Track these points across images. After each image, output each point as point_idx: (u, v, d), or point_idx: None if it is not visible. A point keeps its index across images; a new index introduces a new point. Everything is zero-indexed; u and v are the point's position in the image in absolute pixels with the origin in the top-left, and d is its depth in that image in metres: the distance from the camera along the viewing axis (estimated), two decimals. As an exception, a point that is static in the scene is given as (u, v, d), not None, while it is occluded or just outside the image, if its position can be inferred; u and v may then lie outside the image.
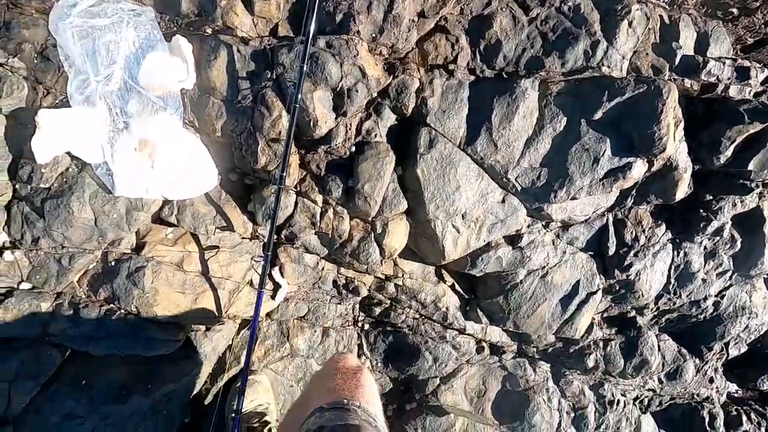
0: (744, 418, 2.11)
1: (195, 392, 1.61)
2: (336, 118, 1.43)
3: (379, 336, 1.88)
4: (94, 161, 1.35)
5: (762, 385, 2.15)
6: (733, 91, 1.60)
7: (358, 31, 1.38)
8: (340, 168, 1.51)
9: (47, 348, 1.42)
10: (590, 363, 1.91)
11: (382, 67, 1.49)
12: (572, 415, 1.98)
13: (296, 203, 1.53)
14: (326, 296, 1.76)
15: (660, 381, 2.05)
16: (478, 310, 1.83)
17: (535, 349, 1.95)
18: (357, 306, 1.84)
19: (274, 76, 1.39)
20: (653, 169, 1.61)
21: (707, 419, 2.10)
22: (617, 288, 1.83)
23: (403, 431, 1.92)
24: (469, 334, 1.87)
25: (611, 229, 1.76)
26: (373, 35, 1.42)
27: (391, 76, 1.49)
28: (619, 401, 2.02)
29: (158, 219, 1.50)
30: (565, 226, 1.74)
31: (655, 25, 1.56)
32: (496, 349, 1.94)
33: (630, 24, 1.50)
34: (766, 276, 1.97)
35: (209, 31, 1.40)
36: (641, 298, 1.83)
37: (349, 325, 1.85)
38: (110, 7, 1.30)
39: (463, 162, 1.54)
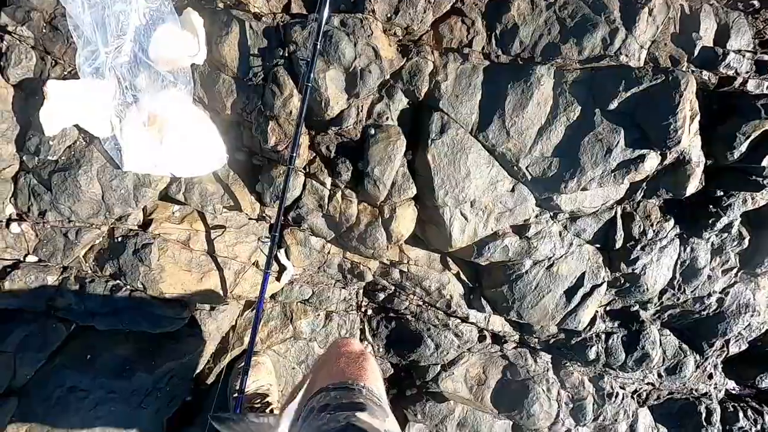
0: (741, 414, 2.12)
1: (197, 371, 1.62)
2: (348, 100, 1.41)
3: (381, 322, 1.88)
4: (102, 135, 1.33)
5: (760, 383, 2.16)
6: (751, 86, 1.58)
7: (373, 11, 1.36)
8: (350, 150, 1.49)
9: (53, 321, 1.42)
10: (591, 355, 1.92)
11: (396, 48, 1.46)
12: (571, 405, 1.99)
13: (304, 185, 1.52)
14: (331, 280, 1.76)
15: (659, 375, 2.06)
16: (482, 299, 1.83)
17: (536, 340, 1.95)
18: (361, 291, 1.84)
19: (287, 54, 1.36)
20: (665, 162, 1.59)
21: (704, 415, 2.11)
22: (622, 281, 1.83)
23: (402, 416, 1.94)
24: (471, 323, 1.87)
25: (619, 222, 1.75)
26: (388, 15, 1.39)
27: (405, 59, 1.47)
28: (617, 394, 2.03)
29: (165, 196, 1.49)
30: (573, 217, 1.73)
31: (675, 15, 1.53)
32: (498, 339, 1.95)
33: (650, 12, 1.47)
34: (771, 274, 1.96)
35: (221, 5, 1.38)
36: (646, 292, 1.83)
37: (352, 310, 1.85)
38: (121, -23, 1.28)
39: (474, 149, 1.53)
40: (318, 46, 1.26)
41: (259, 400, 1.55)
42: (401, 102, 1.51)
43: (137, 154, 1.34)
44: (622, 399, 2.03)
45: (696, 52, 1.53)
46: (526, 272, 1.73)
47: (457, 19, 1.47)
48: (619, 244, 1.74)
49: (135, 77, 1.32)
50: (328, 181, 1.52)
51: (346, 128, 1.46)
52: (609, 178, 1.56)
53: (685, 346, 2.01)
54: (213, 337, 1.61)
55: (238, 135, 1.50)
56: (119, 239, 1.43)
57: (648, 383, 2.10)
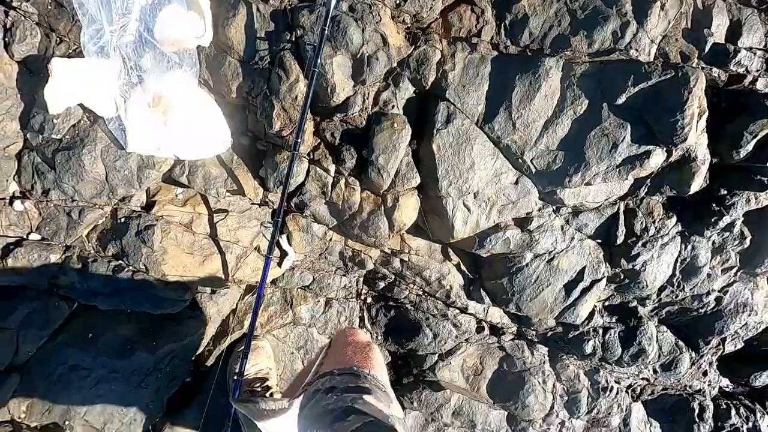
0: (733, 412, 2.15)
1: (197, 353, 1.63)
2: (354, 86, 1.40)
3: (381, 310, 1.89)
4: (106, 115, 1.33)
5: (754, 382, 2.18)
6: (761, 84, 1.56)
7: (383, -4, 1.34)
8: (355, 138, 1.48)
9: (55, 300, 1.43)
10: (588, 349, 1.93)
11: (404, 36, 1.45)
12: (565, 398, 2.02)
13: (308, 171, 1.51)
14: (332, 267, 1.76)
15: (654, 371, 2.08)
16: (482, 291, 1.84)
17: (534, 332, 1.97)
18: (361, 279, 1.85)
19: (294, 38, 1.35)
20: (671, 159, 1.59)
21: (697, 411, 2.14)
22: (622, 277, 1.83)
23: (399, 404, 1.96)
24: (470, 314, 1.89)
25: (621, 218, 1.75)
26: (397, 2, 1.37)
27: (413, 47, 1.45)
28: (612, 388, 2.05)
29: (169, 178, 1.49)
30: (576, 212, 1.73)
31: (687, 10, 1.51)
32: (496, 330, 1.96)
33: (662, 6, 1.45)
34: (770, 275, 1.97)
35: (228, -14, 1.36)
36: (645, 288, 1.83)
37: (352, 298, 1.86)
38: (128, -46, 1.26)
39: (479, 140, 1.52)
40: (326, 31, 1.25)
41: (258, 384, 1.57)
42: (408, 90, 1.50)
43: (141, 135, 1.34)
44: (617, 393, 2.06)
45: (707, 49, 1.52)
46: (527, 265, 1.73)
47: (466, 7, 1.46)
48: (620, 240, 1.74)
49: (140, 57, 1.31)
50: (332, 168, 1.51)
51: (352, 115, 1.45)
52: (613, 174, 1.56)
53: (681, 342, 2.03)
54: (213, 320, 1.62)
55: (242, 119, 1.49)
56: (122, 220, 1.44)
57: (643, 378, 2.12)
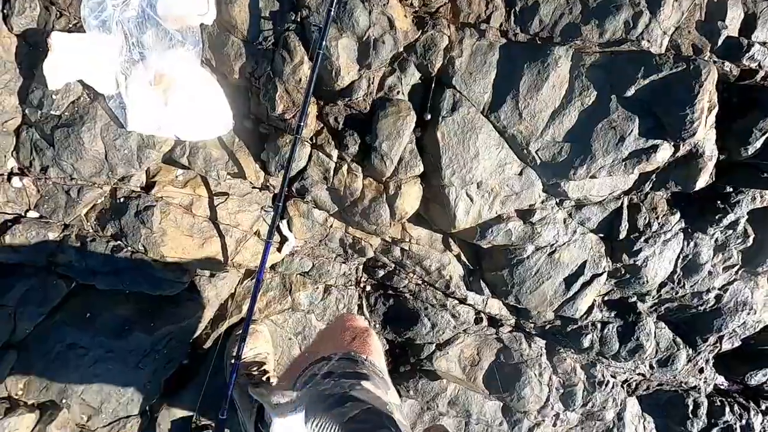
0: (727, 409, 2.16)
1: (195, 335, 1.63)
2: (359, 70, 1.38)
3: (380, 298, 1.89)
4: (107, 92, 1.31)
5: (749, 380, 2.19)
6: (773, 80, 1.54)
7: (391, -22, 1.31)
8: (359, 123, 1.46)
9: (53, 278, 1.42)
10: (586, 343, 1.94)
11: (412, 20, 1.42)
12: (561, 391, 2.02)
13: (310, 156, 1.49)
14: (332, 254, 1.75)
15: (651, 367, 2.08)
16: (482, 282, 1.83)
17: (532, 325, 1.97)
18: (361, 267, 1.84)
19: (299, 19, 1.32)
20: (678, 154, 1.57)
21: (691, 407, 2.15)
22: (623, 272, 1.82)
23: (395, 392, 1.97)
24: (469, 305, 1.88)
25: (625, 212, 1.73)
26: (406, -16, 1.34)
27: (420, 31, 1.42)
28: (608, 382, 2.05)
29: (169, 159, 1.47)
30: (579, 205, 1.71)
31: (702, 1, 1.48)
32: (495, 321, 1.96)
33: (677, -3, 1.42)
34: (772, 274, 1.96)
35: (233, -37, 1.32)
36: (645, 284, 1.83)
37: (351, 285, 1.86)
38: (130, -74, 1.22)
39: (484, 129, 1.50)
40: (332, 12, 1.22)
41: (255, 368, 1.57)
42: (413, 76, 1.47)
43: (142, 114, 1.32)
44: (612, 387, 2.06)
45: (720, 42, 1.49)
46: (528, 257, 1.72)
47: (476, -8, 1.42)
48: (623, 235, 1.73)
49: (142, 34, 1.29)
50: (335, 153, 1.49)
51: (356, 100, 1.43)
52: (619, 167, 1.54)
53: (678, 339, 2.03)
54: (212, 303, 1.62)
55: (245, 101, 1.47)
56: (121, 200, 1.42)
57: (639, 374, 2.13)
